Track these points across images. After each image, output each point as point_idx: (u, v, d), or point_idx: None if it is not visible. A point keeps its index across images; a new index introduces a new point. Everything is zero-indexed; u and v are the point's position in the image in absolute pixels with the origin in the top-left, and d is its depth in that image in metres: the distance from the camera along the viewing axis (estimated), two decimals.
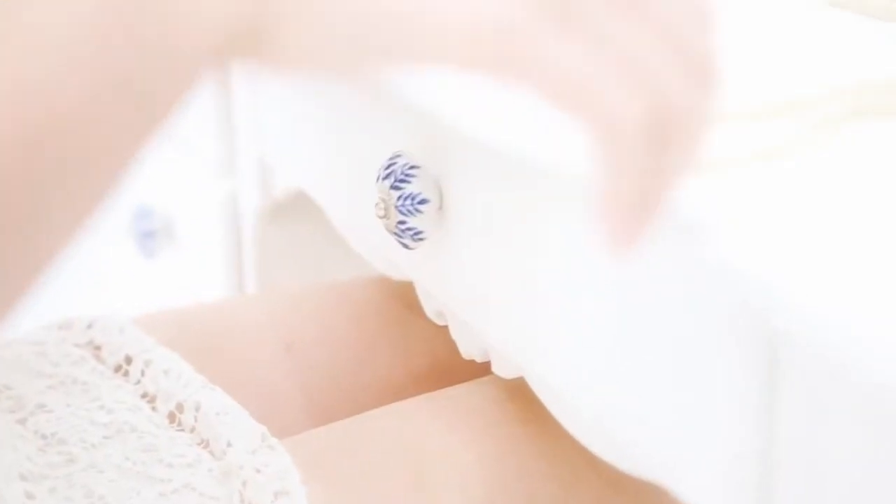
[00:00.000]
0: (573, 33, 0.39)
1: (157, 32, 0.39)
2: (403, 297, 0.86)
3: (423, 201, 0.68)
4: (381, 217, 0.69)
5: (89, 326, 0.76)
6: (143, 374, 0.72)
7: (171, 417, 0.69)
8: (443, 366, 0.85)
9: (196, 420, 0.69)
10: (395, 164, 0.69)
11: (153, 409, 0.70)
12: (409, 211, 0.68)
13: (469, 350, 0.74)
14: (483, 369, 0.75)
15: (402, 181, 0.68)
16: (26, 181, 0.38)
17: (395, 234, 0.69)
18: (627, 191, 0.40)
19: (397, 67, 0.40)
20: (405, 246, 0.70)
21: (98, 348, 0.74)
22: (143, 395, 0.71)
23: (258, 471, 0.65)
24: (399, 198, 0.68)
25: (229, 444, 0.66)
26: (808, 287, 0.39)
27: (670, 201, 0.40)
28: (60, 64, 0.38)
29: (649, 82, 0.39)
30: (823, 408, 0.41)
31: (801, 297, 0.39)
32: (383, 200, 0.69)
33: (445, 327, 0.76)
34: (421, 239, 0.69)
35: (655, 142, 0.39)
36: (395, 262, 0.78)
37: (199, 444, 0.67)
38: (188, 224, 1.20)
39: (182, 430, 0.69)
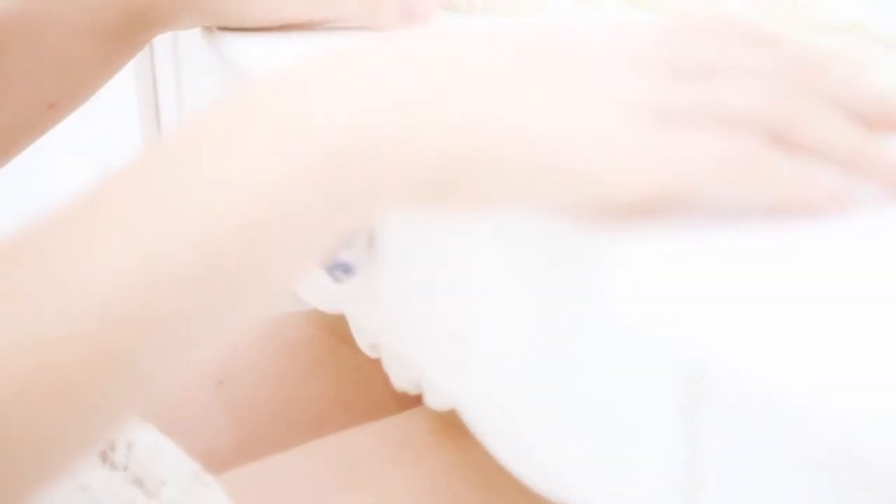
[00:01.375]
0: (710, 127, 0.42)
1: (366, 178, 0.40)
2: (336, 331, 0.86)
3: (352, 235, 0.68)
4: None
5: None
6: None
7: (104, 456, 0.69)
8: (375, 398, 0.85)
9: (129, 458, 0.68)
10: None
11: None
12: (338, 245, 0.68)
13: (402, 382, 0.74)
14: (415, 401, 0.75)
15: None
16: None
17: (326, 267, 0.69)
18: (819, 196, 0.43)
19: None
20: (336, 280, 0.70)
21: None
22: None
23: None
24: None
25: (163, 482, 0.66)
26: (728, 322, 0.40)
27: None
28: (268, 211, 0.39)
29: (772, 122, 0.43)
30: (745, 440, 0.42)
31: (722, 333, 0.40)
32: None
33: (378, 360, 0.76)
34: (351, 273, 0.69)
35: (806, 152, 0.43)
36: (326, 295, 0.78)
37: (132, 483, 0.67)
38: None
39: (115, 468, 0.68)
